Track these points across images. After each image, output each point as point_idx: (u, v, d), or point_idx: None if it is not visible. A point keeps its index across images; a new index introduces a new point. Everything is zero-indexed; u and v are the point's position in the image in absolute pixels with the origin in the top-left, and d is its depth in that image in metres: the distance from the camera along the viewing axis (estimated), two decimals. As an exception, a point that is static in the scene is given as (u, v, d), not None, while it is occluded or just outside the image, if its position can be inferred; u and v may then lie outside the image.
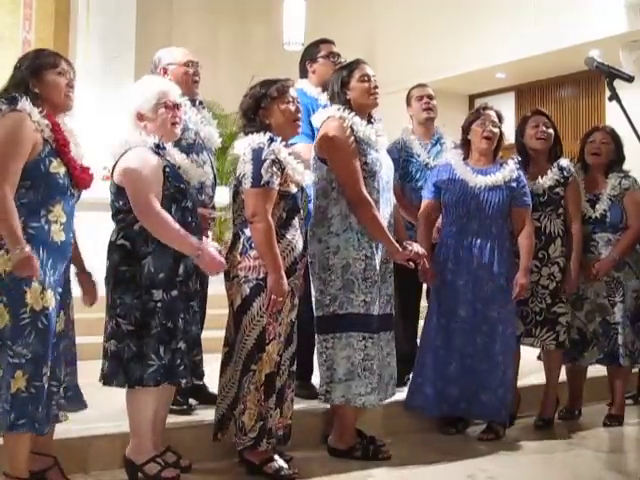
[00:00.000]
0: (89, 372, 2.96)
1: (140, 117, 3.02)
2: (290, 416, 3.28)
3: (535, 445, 3.83)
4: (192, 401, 3.63)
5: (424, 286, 4.21)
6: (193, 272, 3.02)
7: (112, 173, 3.00)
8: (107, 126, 5.72)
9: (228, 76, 9.06)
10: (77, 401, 2.88)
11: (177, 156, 3.06)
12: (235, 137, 8.29)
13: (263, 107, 3.22)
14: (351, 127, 3.43)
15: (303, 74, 4.09)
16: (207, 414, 3.43)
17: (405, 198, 4.22)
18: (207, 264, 2.95)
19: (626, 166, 4.38)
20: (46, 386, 2.66)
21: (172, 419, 3.31)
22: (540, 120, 4.20)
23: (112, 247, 2.97)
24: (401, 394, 3.85)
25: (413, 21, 9.25)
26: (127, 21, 7.33)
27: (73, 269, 2.93)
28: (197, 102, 3.74)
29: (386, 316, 3.54)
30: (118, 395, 3.02)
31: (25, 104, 2.68)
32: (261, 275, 3.10)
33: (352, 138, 3.42)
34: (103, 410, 2.95)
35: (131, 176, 2.90)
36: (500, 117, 3.96)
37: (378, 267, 3.46)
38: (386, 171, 3.56)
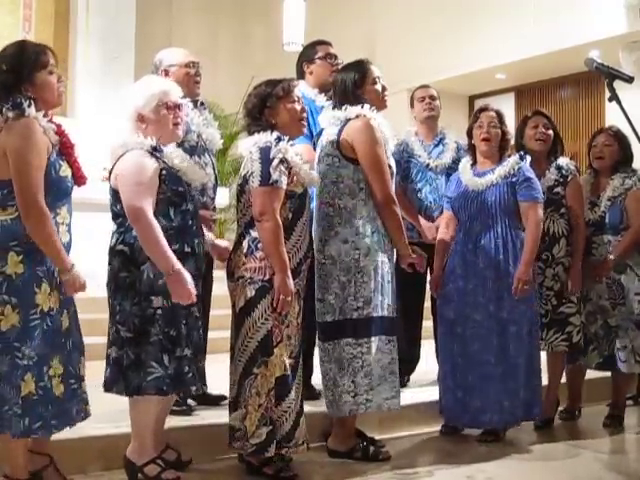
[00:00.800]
0: (89, 372, 2.95)
1: (141, 118, 2.97)
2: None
3: (535, 446, 3.82)
4: (191, 402, 3.63)
5: (427, 287, 4.20)
6: (194, 277, 2.92)
7: (109, 176, 2.97)
8: (107, 127, 5.73)
9: (228, 77, 9.08)
10: None
11: (177, 158, 3.00)
12: (235, 138, 8.33)
13: (269, 106, 3.20)
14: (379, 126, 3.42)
15: (300, 75, 4.08)
16: (206, 415, 3.43)
17: (405, 198, 4.23)
18: (176, 289, 2.79)
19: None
20: (50, 385, 2.64)
21: (172, 419, 3.30)
22: (540, 121, 4.18)
23: (112, 253, 2.93)
24: (401, 394, 3.84)
25: (413, 21, 9.25)
26: (127, 22, 7.33)
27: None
28: (199, 103, 3.74)
29: (397, 319, 3.53)
30: (118, 396, 3.01)
31: (30, 109, 2.64)
32: (267, 277, 3.07)
33: (382, 138, 3.41)
34: (103, 410, 2.94)
35: (124, 181, 2.85)
36: (501, 116, 3.92)
37: (394, 270, 3.48)
38: (394, 171, 3.57)
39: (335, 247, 3.36)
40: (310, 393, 3.77)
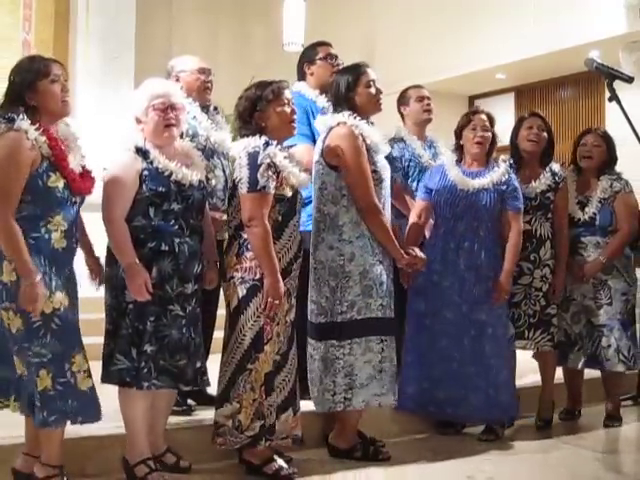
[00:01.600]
0: (89, 372, 2.96)
1: (138, 121, 3.08)
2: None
3: (534, 446, 3.83)
4: (191, 402, 3.64)
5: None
6: (174, 276, 3.00)
7: None
8: (106, 127, 5.75)
9: (228, 77, 9.01)
10: None
11: (163, 159, 3.02)
12: (235, 139, 8.33)
13: (259, 110, 3.22)
14: (361, 134, 3.43)
15: (301, 76, 4.09)
16: (206, 415, 3.44)
17: (407, 195, 4.21)
18: (132, 283, 2.90)
19: (626, 168, 4.37)
20: (74, 380, 2.75)
21: (172, 420, 3.32)
22: (535, 122, 4.19)
23: (107, 249, 3.05)
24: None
25: (413, 21, 9.24)
26: (127, 22, 7.32)
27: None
28: (212, 108, 3.82)
29: (394, 319, 3.54)
30: (117, 396, 3.03)
31: (22, 123, 2.68)
32: (257, 276, 3.12)
33: (364, 146, 3.42)
34: (103, 410, 2.95)
35: (104, 181, 2.98)
36: (491, 119, 3.94)
37: (390, 271, 3.49)
38: (388, 176, 3.58)
39: (322, 253, 3.44)
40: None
